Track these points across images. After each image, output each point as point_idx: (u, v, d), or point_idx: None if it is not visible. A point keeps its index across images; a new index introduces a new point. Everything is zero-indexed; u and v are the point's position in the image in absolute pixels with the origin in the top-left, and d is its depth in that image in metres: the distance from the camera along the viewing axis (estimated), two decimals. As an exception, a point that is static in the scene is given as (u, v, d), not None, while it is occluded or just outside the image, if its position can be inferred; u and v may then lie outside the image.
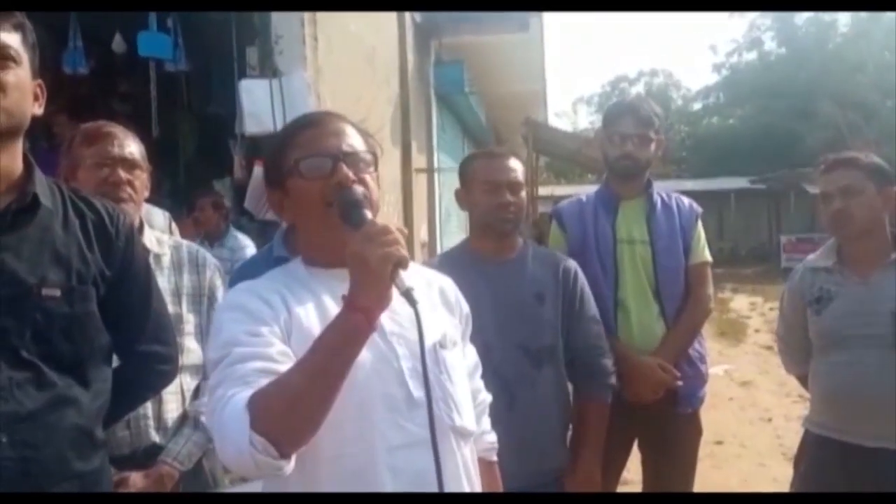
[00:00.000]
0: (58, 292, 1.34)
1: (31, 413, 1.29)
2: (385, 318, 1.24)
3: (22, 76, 1.34)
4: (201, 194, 5.01)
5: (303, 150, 1.33)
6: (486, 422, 1.57)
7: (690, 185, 20.63)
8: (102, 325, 1.41)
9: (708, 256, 2.67)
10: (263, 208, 4.54)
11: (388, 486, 1.23)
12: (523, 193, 2.26)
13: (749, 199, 23.81)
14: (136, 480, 1.77)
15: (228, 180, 5.09)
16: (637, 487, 2.80)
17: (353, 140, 1.36)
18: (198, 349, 1.95)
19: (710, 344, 2.82)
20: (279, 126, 4.45)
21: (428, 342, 1.29)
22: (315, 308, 1.29)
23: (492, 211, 2.20)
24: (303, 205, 1.33)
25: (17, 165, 1.38)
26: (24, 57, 1.35)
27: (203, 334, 1.97)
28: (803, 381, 2.51)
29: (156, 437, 1.86)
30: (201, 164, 5.88)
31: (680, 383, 2.52)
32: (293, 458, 1.16)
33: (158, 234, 2.05)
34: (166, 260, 1.96)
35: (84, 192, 1.52)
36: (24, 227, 1.34)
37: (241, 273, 2.32)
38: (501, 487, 1.58)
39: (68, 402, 1.34)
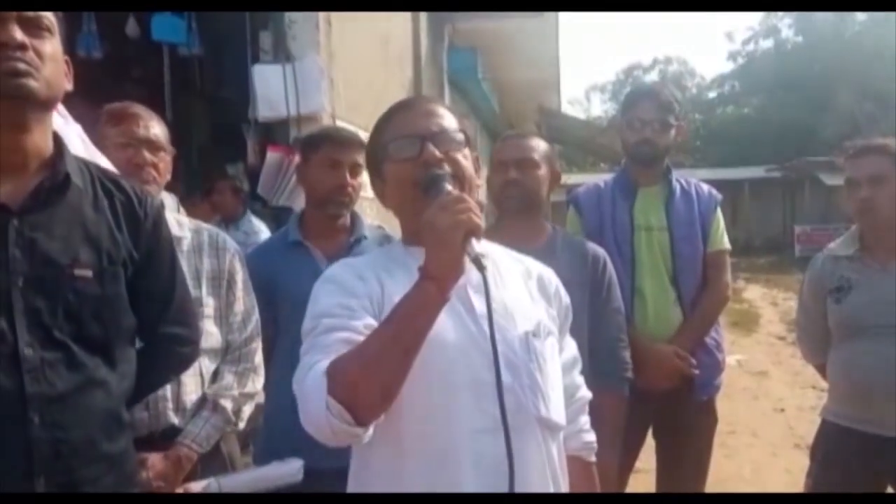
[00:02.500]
0: (89, 273, 1.33)
1: (62, 394, 1.28)
2: (477, 301, 1.24)
3: (57, 47, 1.33)
4: (221, 178, 5.01)
5: (392, 133, 1.34)
6: (585, 420, 1.53)
7: (704, 174, 20.44)
8: (129, 306, 1.41)
9: (726, 244, 2.65)
10: (276, 194, 4.54)
11: (468, 469, 1.23)
12: (539, 172, 2.20)
13: (763, 188, 23.65)
14: (155, 462, 1.77)
15: (241, 165, 5.09)
16: (649, 475, 2.79)
17: (444, 120, 1.35)
18: (217, 332, 1.95)
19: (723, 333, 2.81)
20: (292, 111, 4.45)
21: (520, 330, 1.29)
22: (408, 286, 1.27)
23: (497, 189, 2.19)
24: (396, 187, 1.34)
25: (49, 143, 1.36)
26: (57, 29, 1.33)
27: (222, 318, 1.97)
28: (821, 370, 2.49)
29: (174, 419, 1.86)
30: (214, 148, 5.89)
31: (696, 371, 2.50)
32: (371, 427, 1.17)
33: (179, 216, 2.04)
34: (186, 243, 1.95)
35: (111, 171, 1.52)
36: (55, 206, 1.33)
37: (254, 256, 2.33)
38: (598, 489, 1.54)
39: (97, 383, 1.34)
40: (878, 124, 19.64)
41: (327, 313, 1.23)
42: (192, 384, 1.89)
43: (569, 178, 18.47)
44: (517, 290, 1.18)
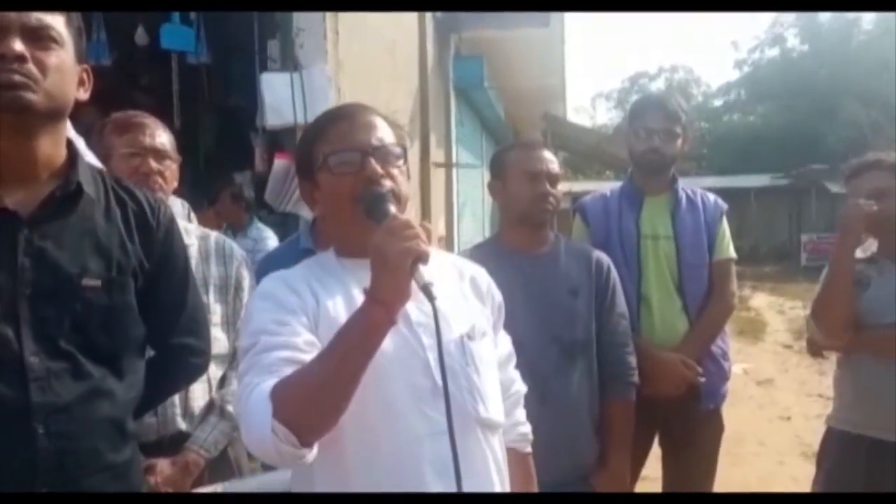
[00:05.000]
0: (98, 283, 1.32)
1: (68, 404, 1.28)
2: (412, 309, 1.25)
3: (64, 58, 1.31)
4: (222, 186, 5.05)
5: (332, 144, 1.33)
6: (521, 413, 1.56)
7: (710, 182, 20.44)
8: (139, 316, 1.40)
9: (732, 253, 2.65)
10: (283, 201, 4.56)
11: (414, 474, 1.24)
12: (560, 186, 2.26)
13: (770, 196, 23.60)
14: (164, 467, 1.79)
15: (249, 173, 5.12)
16: (655, 483, 2.79)
17: (383, 133, 1.36)
18: (224, 339, 1.96)
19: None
20: (300, 119, 4.46)
21: (455, 334, 1.31)
22: (343, 298, 1.30)
23: (530, 201, 2.20)
24: (332, 199, 1.34)
25: (60, 152, 1.36)
26: (68, 40, 1.32)
27: (229, 324, 1.99)
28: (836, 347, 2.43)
29: (182, 425, 1.87)
30: (222, 156, 5.91)
31: (702, 380, 2.50)
32: (315, 446, 1.17)
33: (186, 224, 2.06)
34: (193, 250, 1.96)
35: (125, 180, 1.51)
36: (67, 216, 1.33)
37: (266, 264, 2.33)
38: (535, 480, 1.58)
39: (103, 393, 1.33)
40: (884, 133, 19.61)
41: (265, 330, 1.23)
42: (199, 390, 1.90)
43: (574, 186, 18.56)
44: (451, 292, 1.20)
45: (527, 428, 1.57)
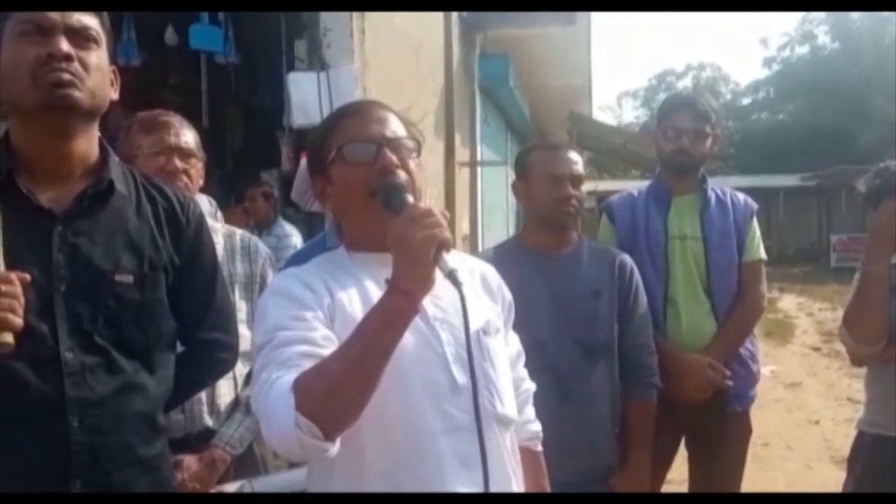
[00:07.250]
0: (130, 279, 1.35)
1: (101, 398, 1.30)
2: (428, 303, 1.24)
3: (102, 58, 1.35)
4: (252, 184, 5.09)
5: (346, 136, 1.33)
6: (531, 411, 1.56)
7: (738, 181, 20.19)
8: (169, 311, 1.42)
9: (762, 254, 2.61)
10: (309, 200, 4.58)
11: (434, 470, 1.23)
12: (583, 187, 2.24)
13: (799, 196, 23.28)
14: (190, 463, 1.80)
15: (276, 171, 5.16)
16: (680, 487, 2.77)
17: (396, 127, 1.36)
18: (249, 336, 1.96)
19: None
20: (326, 118, 4.50)
21: (471, 328, 1.28)
22: (358, 293, 1.30)
23: (553, 204, 2.19)
24: (346, 191, 1.33)
25: (94, 150, 1.39)
26: (103, 40, 1.36)
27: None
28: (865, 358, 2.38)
29: (209, 421, 1.89)
30: (249, 155, 5.96)
31: (730, 383, 2.47)
32: (338, 440, 1.17)
33: (212, 222, 2.07)
34: (219, 248, 1.96)
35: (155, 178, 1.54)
36: (99, 213, 1.36)
37: (294, 262, 2.35)
38: (547, 477, 1.57)
39: (136, 388, 1.35)
40: (918, 132, 19.24)
41: (282, 326, 1.22)
42: (225, 387, 1.92)
43: (599, 185, 18.44)
44: (464, 288, 1.18)
45: (537, 426, 1.56)
